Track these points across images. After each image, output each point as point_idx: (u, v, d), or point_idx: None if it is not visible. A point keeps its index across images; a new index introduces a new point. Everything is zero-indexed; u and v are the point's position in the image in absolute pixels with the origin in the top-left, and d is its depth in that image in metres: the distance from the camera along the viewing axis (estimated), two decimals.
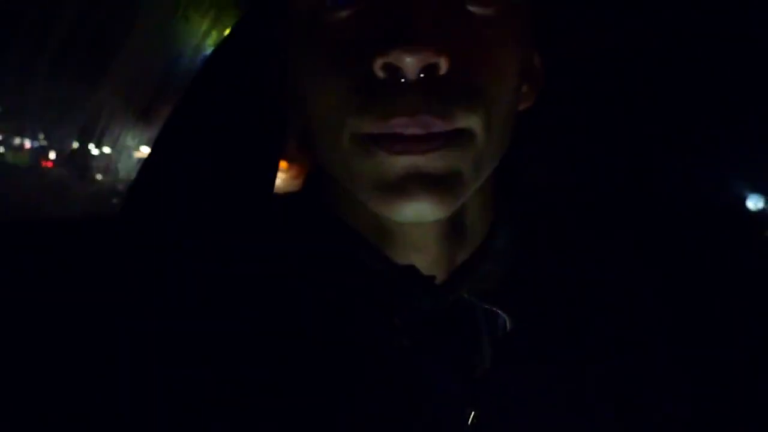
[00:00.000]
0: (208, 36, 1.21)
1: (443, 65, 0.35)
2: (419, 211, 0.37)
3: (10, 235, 0.76)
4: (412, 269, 0.44)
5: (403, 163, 0.36)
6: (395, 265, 0.44)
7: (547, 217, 0.55)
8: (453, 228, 0.44)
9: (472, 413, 0.43)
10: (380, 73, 0.35)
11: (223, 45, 1.15)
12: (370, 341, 0.43)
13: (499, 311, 0.45)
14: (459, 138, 0.37)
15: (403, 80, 0.35)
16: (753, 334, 0.53)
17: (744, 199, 0.95)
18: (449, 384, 0.44)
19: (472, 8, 0.37)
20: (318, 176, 0.46)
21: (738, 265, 0.57)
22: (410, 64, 0.34)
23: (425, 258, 0.44)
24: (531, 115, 0.50)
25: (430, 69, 0.35)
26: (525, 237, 0.49)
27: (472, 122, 0.37)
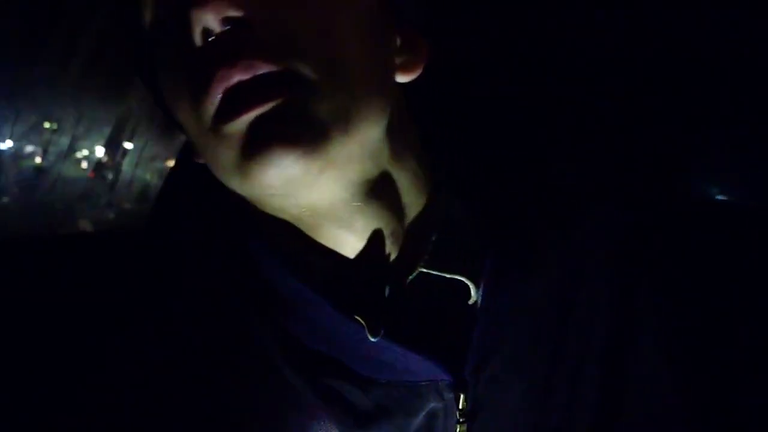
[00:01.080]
0: None
1: (248, 16, 0.35)
2: (282, 170, 0.35)
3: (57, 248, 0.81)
4: (360, 260, 0.42)
5: (246, 121, 0.34)
6: (345, 260, 0.42)
7: (501, 190, 0.48)
8: (389, 209, 0.42)
9: (462, 396, 0.43)
10: (197, 40, 0.35)
11: None
12: (345, 343, 0.42)
13: (463, 279, 0.44)
14: (296, 84, 0.35)
15: (212, 39, 0.35)
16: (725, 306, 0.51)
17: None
18: (428, 364, 0.42)
19: None
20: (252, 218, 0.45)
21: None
22: (208, 19, 0.34)
23: (371, 247, 0.42)
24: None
25: (237, 24, 0.35)
26: (472, 198, 0.48)
27: (300, 67, 0.35)
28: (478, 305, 0.45)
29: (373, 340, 0.41)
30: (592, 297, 0.48)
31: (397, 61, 0.44)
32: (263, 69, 0.34)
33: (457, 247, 0.45)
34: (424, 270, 0.43)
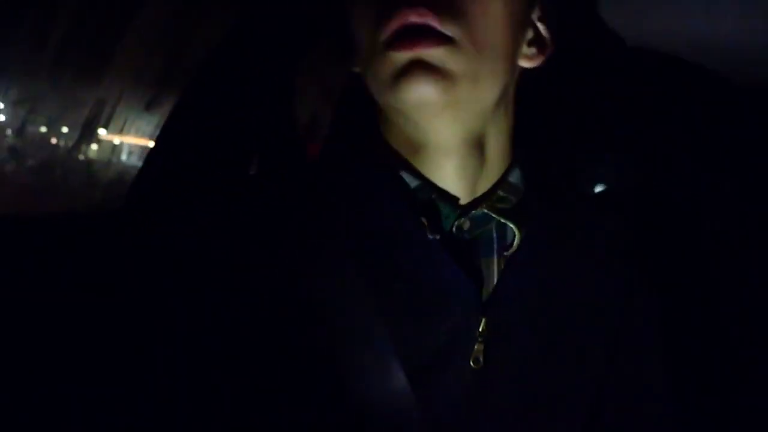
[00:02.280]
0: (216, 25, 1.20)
1: None
2: (419, 91, 0.49)
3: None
4: (443, 191, 0.56)
5: (407, 55, 0.49)
6: (431, 183, 0.56)
7: (555, 167, 0.68)
8: (476, 162, 0.56)
9: (483, 320, 0.54)
10: None
11: (228, 39, 1.15)
12: (406, 237, 0.54)
13: (509, 223, 0.58)
14: (449, 42, 0.49)
15: None
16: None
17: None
18: (467, 282, 0.55)
19: None
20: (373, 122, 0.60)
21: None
22: None
23: (454, 183, 0.56)
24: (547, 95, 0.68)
25: None
26: (535, 178, 0.62)
27: (457, 33, 0.49)
28: (514, 254, 0.58)
29: (430, 237, 0.54)
30: (607, 283, 0.62)
31: (525, 50, 0.58)
32: (432, 22, 0.48)
33: (513, 206, 0.59)
34: (486, 211, 0.57)
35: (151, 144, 1.08)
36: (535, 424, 0.57)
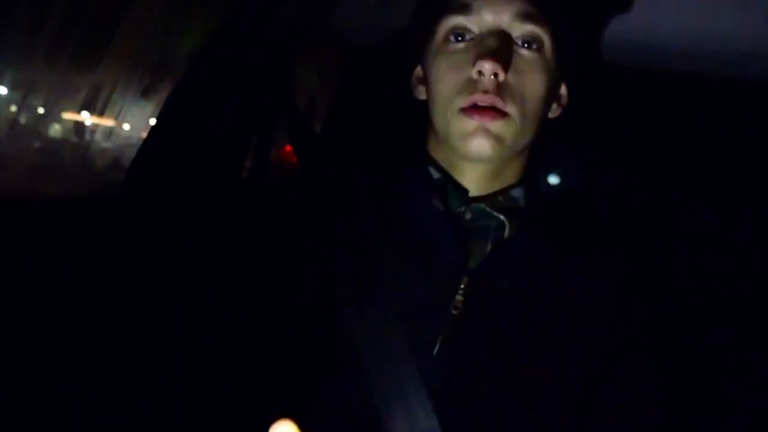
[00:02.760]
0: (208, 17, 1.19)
1: (502, 75, 0.69)
2: (480, 148, 0.71)
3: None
4: (457, 183, 0.76)
5: (475, 121, 0.70)
6: (450, 177, 0.77)
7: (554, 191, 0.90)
8: (492, 175, 0.76)
9: (466, 278, 0.71)
10: (474, 75, 0.70)
11: (223, 30, 1.14)
12: (420, 207, 0.75)
13: (502, 217, 0.75)
14: (504, 116, 0.70)
15: (483, 78, 0.69)
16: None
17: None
18: (459, 250, 0.73)
19: (521, 51, 0.72)
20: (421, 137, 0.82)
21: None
22: (489, 69, 0.68)
23: (472, 186, 0.76)
24: (557, 128, 0.82)
25: (496, 76, 0.69)
26: (534, 194, 0.80)
27: (512, 110, 0.71)
28: (504, 241, 0.74)
29: (435, 203, 0.75)
30: (600, 283, 0.75)
31: (554, 106, 0.80)
32: (497, 104, 0.70)
33: (513, 209, 0.76)
34: (483, 206, 0.75)
35: (146, 132, 1.07)
36: (511, 385, 0.69)
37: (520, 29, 0.72)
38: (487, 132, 0.70)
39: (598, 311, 0.73)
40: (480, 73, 0.69)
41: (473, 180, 0.76)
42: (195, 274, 0.76)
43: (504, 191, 0.77)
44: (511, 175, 0.78)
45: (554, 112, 0.80)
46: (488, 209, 0.75)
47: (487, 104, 0.69)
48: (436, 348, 0.69)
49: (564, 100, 0.81)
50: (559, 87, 0.79)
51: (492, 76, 0.69)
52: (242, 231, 0.77)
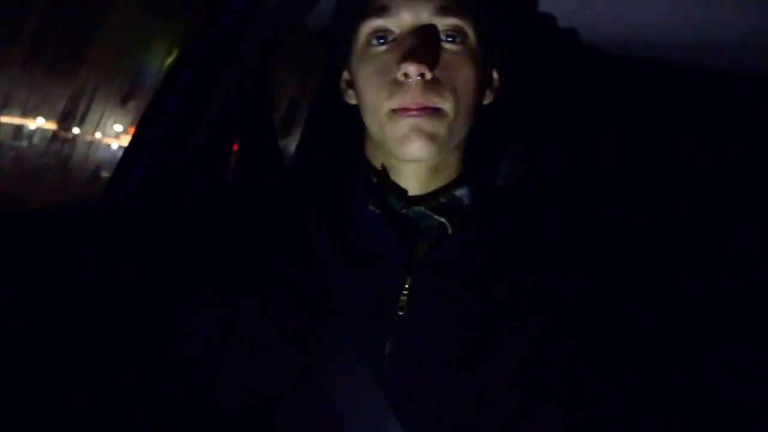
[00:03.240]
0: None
1: (429, 74, 0.70)
2: (416, 150, 0.72)
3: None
4: (395, 184, 0.78)
5: (408, 122, 0.71)
6: (389, 181, 0.78)
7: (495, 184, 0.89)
8: (430, 173, 0.78)
9: (410, 278, 0.73)
10: (400, 77, 0.71)
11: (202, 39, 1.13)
12: (362, 213, 0.76)
13: (441, 219, 0.76)
14: (437, 112, 0.72)
15: (410, 80, 0.70)
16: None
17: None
18: (400, 251, 0.74)
19: (445, 45, 0.73)
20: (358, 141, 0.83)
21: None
22: (413, 71, 0.69)
23: (411, 185, 0.78)
24: (491, 116, 0.82)
25: (423, 75, 0.70)
26: (480, 192, 0.80)
27: (445, 105, 0.73)
28: (445, 239, 0.75)
29: (371, 208, 0.75)
30: (544, 281, 0.76)
31: (487, 92, 0.82)
32: (428, 103, 0.70)
33: (453, 208, 0.78)
34: (423, 209, 0.77)
35: (127, 140, 1.06)
36: (461, 378, 0.70)
37: (441, 23, 0.73)
38: (421, 132, 0.71)
39: (540, 306, 0.75)
40: (406, 75, 0.70)
41: (411, 180, 0.78)
42: (180, 278, 0.78)
43: (446, 190, 0.79)
44: (451, 170, 0.80)
45: (488, 98, 0.82)
46: (428, 212, 0.76)
47: (418, 106, 0.70)
48: (387, 350, 0.70)
49: (496, 84, 0.82)
50: (489, 74, 0.81)
51: (418, 77, 0.69)
52: (201, 244, 0.81)
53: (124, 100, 1.71)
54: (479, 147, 0.83)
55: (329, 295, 0.71)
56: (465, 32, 0.73)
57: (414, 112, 0.70)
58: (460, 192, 0.79)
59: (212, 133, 1.09)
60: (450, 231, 0.75)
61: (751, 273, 1.17)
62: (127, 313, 0.81)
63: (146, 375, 0.74)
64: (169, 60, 1.11)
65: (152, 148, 1.04)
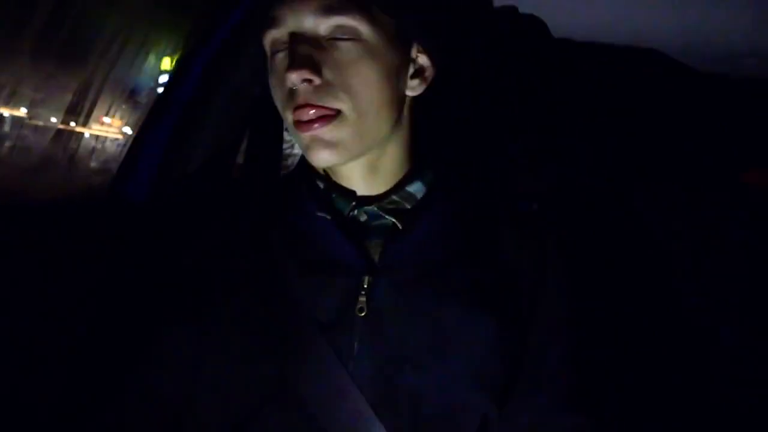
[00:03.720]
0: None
1: (317, 79, 0.67)
2: (322, 159, 0.70)
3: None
4: (342, 188, 0.76)
5: (307, 135, 0.69)
6: (334, 184, 0.76)
7: (450, 173, 0.80)
8: (369, 171, 0.75)
9: (367, 278, 0.72)
10: (290, 85, 0.68)
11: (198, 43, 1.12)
12: (313, 220, 0.75)
13: (392, 219, 0.74)
14: (337, 117, 0.69)
15: (296, 88, 0.68)
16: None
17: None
18: (354, 253, 0.73)
19: (336, 44, 0.68)
20: None
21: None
22: (295, 79, 0.67)
23: (357, 186, 0.75)
24: (436, 104, 0.78)
25: (310, 81, 0.67)
26: (434, 182, 0.78)
27: (343, 106, 0.68)
28: (397, 238, 0.74)
29: (319, 215, 0.74)
30: (502, 273, 0.76)
31: (409, 83, 0.75)
32: (317, 114, 0.68)
33: (410, 207, 0.76)
34: (375, 209, 0.75)
35: (133, 132, 1.06)
36: (428, 380, 0.70)
37: (326, 24, 0.68)
38: (321, 142, 0.69)
39: (498, 302, 0.74)
40: (294, 83, 0.67)
41: (354, 181, 0.75)
42: (182, 276, 0.78)
43: (399, 187, 0.76)
44: (395, 166, 0.76)
45: (416, 88, 0.75)
46: (379, 211, 0.74)
47: (311, 117, 0.68)
48: (355, 352, 0.70)
49: (428, 72, 0.76)
50: (405, 66, 0.74)
51: (305, 83, 0.67)
52: (211, 234, 0.79)
53: (131, 94, 1.71)
54: (438, 137, 0.80)
55: (294, 304, 0.71)
56: (355, 28, 0.68)
57: (315, 125, 0.68)
58: (413, 187, 0.76)
59: (219, 131, 1.09)
60: (402, 227, 0.74)
61: (751, 273, 1.16)
62: (117, 311, 0.81)
63: (136, 373, 0.73)
64: (177, 56, 1.10)
65: (158, 145, 1.03)
